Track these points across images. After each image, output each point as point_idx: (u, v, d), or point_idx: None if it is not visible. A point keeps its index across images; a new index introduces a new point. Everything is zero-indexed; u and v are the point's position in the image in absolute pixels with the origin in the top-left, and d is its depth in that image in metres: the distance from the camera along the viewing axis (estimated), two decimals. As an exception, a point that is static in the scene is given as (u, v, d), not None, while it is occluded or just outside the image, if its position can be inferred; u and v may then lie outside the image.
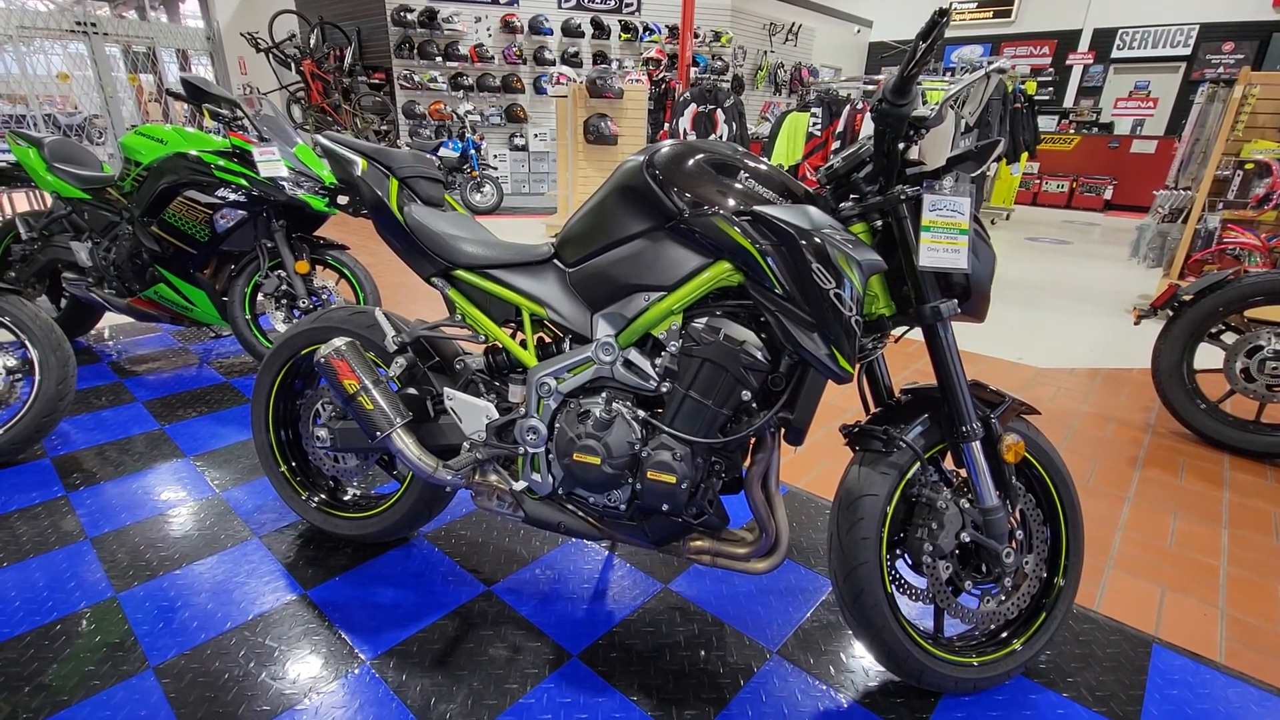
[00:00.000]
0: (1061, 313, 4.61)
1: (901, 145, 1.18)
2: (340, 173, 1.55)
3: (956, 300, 1.24)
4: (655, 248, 1.28)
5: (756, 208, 1.18)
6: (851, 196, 1.28)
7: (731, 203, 1.21)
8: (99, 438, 2.45)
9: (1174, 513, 2.19)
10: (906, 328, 1.32)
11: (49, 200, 3.59)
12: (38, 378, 2.21)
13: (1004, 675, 1.42)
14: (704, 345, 1.25)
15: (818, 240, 1.14)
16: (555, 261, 1.43)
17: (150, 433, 2.51)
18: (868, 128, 4.85)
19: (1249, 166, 4.10)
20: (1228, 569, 1.90)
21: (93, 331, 3.64)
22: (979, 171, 1.20)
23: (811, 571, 1.82)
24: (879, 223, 1.25)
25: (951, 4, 12.75)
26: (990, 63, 1.17)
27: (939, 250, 1.17)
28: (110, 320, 3.85)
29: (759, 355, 1.24)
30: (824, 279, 1.14)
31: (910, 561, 1.37)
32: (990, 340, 3.94)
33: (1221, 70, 10.63)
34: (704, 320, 1.27)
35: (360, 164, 1.54)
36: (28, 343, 2.22)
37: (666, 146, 1.29)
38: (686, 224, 1.23)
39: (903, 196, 1.18)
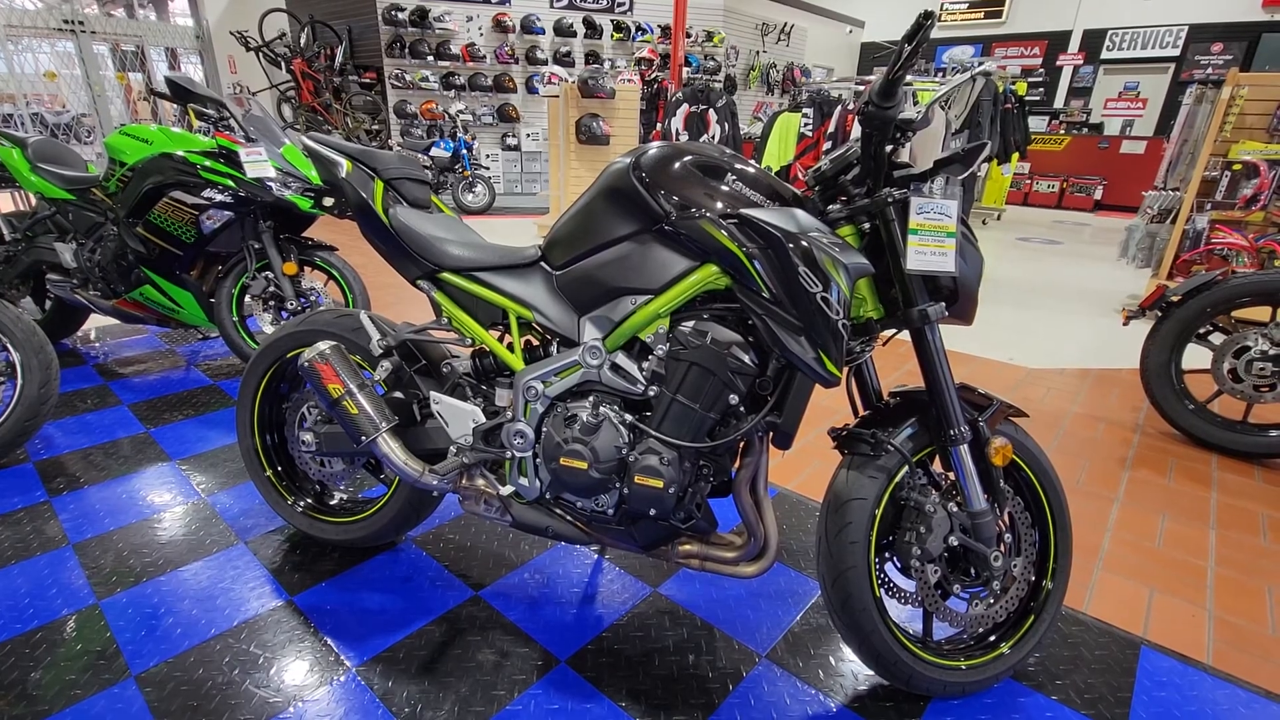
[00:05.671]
0: (1051, 313, 4.63)
1: (889, 148, 1.18)
2: (325, 174, 1.54)
3: (944, 303, 1.24)
4: (642, 250, 1.27)
5: (743, 211, 1.18)
6: (839, 199, 1.27)
7: (718, 205, 1.20)
8: (83, 441, 2.43)
9: (1163, 513, 2.19)
10: (894, 331, 1.31)
11: (33, 201, 3.55)
12: (19, 381, 2.18)
13: (993, 678, 1.42)
14: (691, 349, 1.24)
15: (804, 243, 1.14)
16: (542, 264, 1.42)
17: (135, 436, 2.48)
18: (859, 128, 4.85)
19: (1237, 167, 4.13)
20: (1216, 570, 1.91)
21: (78, 333, 3.60)
22: (967, 174, 1.20)
23: (801, 574, 1.81)
24: (866, 225, 1.24)
25: (941, 6, 12.81)
26: (978, 65, 1.16)
27: (926, 253, 1.16)
28: (96, 322, 3.81)
29: (746, 359, 1.23)
30: (811, 282, 1.14)
31: (899, 565, 1.37)
32: (980, 340, 3.95)
33: (1210, 71, 10.71)
34: (691, 324, 1.26)
35: (345, 165, 1.52)
36: (9, 345, 2.19)
37: (654, 148, 1.28)
38: (673, 227, 1.22)
39: (890, 199, 1.18)
